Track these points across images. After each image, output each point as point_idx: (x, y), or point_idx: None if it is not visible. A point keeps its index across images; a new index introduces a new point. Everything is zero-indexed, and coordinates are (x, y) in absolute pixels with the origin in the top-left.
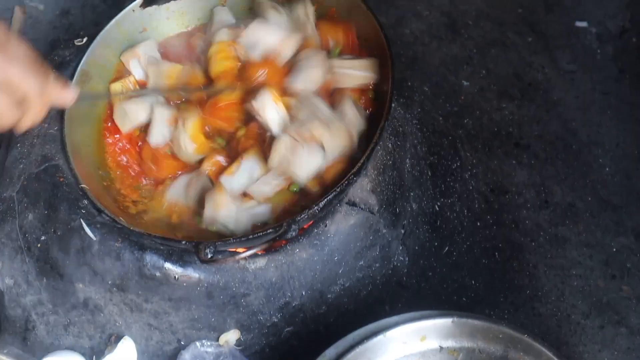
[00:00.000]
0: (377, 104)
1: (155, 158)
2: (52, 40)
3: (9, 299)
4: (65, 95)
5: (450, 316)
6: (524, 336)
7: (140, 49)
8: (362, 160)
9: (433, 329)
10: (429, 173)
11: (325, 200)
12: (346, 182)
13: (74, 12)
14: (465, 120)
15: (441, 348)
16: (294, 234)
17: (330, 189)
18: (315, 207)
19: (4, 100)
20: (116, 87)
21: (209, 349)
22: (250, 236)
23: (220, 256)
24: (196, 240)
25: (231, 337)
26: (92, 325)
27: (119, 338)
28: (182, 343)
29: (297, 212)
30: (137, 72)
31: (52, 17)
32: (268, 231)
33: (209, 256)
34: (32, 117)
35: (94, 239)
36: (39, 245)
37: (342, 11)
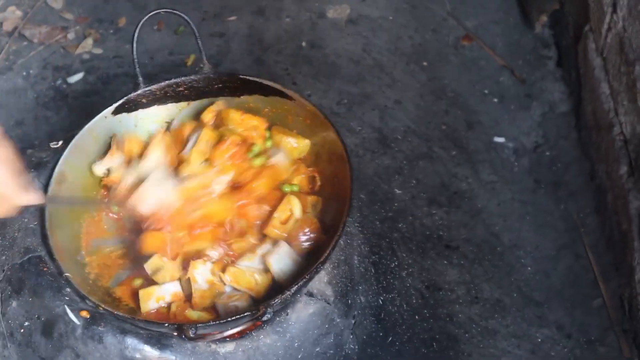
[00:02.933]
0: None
1: None
2: None
3: None
4: (33, 199)
5: None
6: None
7: None
8: (327, 252)
9: None
10: (372, 270)
11: (296, 286)
12: (314, 270)
13: (27, 122)
14: (400, 225)
15: None
16: (269, 316)
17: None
18: (288, 293)
19: None
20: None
21: None
22: (230, 318)
23: (205, 332)
24: (178, 323)
25: None
26: None
27: None
28: None
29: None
30: None
31: (6, 127)
32: (246, 314)
33: (194, 334)
34: None
35: (78, 323)
36: (22, 330)
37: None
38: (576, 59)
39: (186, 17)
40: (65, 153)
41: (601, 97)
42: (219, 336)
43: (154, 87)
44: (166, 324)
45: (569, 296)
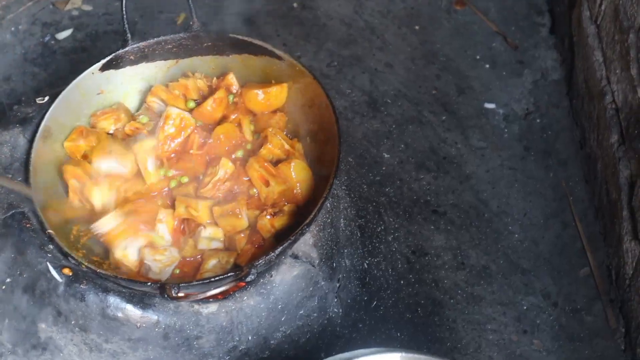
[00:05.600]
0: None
1: None
2: None
3: None
4: None
5: (398, 351)
6: None
7: None
8: (314, 213)
9: None
10: (358, 234)
11: (281, 248)
12: (300, 232)
13: (15, 78)
14: (387, 189)
15: None
16: (253, 277)
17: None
18: (272, 254)
19: None
20: (69, 145)
21: None
22: (213, 278)
23: (188, 292)
24: (161, 282)
25: None
26: None
27: None
28: None
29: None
30: None
31: None
32: (229, 274)
33: (176, 294)
34: None
35: (60, 281)
36: (3, 287)
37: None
38: (570, 26)
39: None
40: (51, 108)
41: (594, 65)
42: (201, 296)
43: (142, 44)
44: (149, 283)
45: (556, 264)
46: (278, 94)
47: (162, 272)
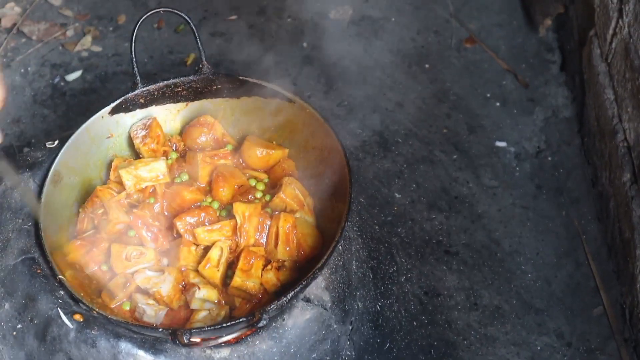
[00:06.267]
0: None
1: None
2: (4, 146)
3: None
4: None
5: None
6: None
7: None
8: (325, 257)
9: None
10: (371, 275)
11: (293, 292)
12: (312, 276)
13: (24, 120)
14: (399, 229)
15: None
16: (265, 322)
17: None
18: (284, 299)
19: None
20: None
21: None
22: (224, 324)
23: (200, 337)
24: (172, 328)
25: None
26: None
27: None
28: None
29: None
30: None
31: (3, 124)
32: (241, 320)
33: (188, 340)
34: None
35: (71, 327)
36: (14, 333)
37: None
38: (580, 64)
39: (186, 17)
40: (60, 153)
41: (605, 103)
42: (213, 342)
43: (151, 87)
44: (160, 329)
45: (570, 304)
46: (278, 156)
47: (157, 315)
